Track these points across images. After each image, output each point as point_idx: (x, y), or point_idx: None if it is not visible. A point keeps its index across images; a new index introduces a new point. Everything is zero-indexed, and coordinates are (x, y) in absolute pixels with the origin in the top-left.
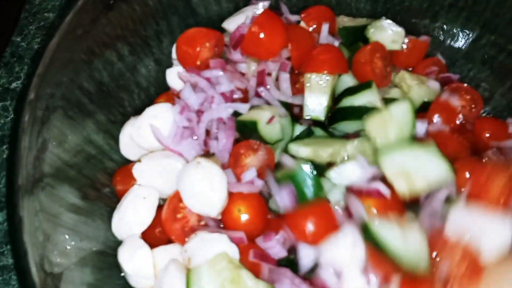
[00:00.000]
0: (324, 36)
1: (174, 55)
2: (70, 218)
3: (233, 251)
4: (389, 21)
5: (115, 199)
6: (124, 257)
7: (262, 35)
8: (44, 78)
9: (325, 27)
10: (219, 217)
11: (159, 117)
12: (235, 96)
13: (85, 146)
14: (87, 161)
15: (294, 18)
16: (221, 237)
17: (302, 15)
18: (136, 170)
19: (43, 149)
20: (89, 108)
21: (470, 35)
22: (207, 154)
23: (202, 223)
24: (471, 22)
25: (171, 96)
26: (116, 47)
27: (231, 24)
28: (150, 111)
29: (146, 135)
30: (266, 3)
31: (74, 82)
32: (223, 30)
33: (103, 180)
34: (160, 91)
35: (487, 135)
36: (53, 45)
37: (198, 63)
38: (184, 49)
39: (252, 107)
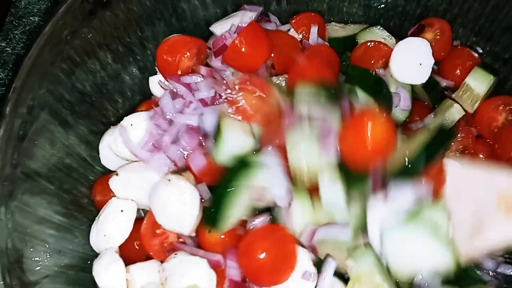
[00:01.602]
0: (314, 38)
1: None
2: (49, 235)
3: (211, 277)
4: (380, 30)
5: (96, 211)
6: (98, 270)
7: (244, 50)
8: (22, 91)
9: (314, 30)
10: (193, 234)
11: (135, 127)
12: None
13: (66, 160)
14: (67, 175)
15: (284, 27)
16: (200, 262)
17: (292, 21)
18: (113, 183)
19: (19, 164)
20: (70, 119)
21: (465, 42)
22: (179, 169)
23: (182, 239)
24: (466, 28)
25: (152, 104)
26: (99, 55)
27: (219, 28)
28: (126, 120)
29: (123, 145)
30: (254, 15)
31: (53, 94)
32: (210, 33)
33: (85, 192)
34: (145, 100)
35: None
36: (32, 57)
37: (179, 72)
38: (165, 58)
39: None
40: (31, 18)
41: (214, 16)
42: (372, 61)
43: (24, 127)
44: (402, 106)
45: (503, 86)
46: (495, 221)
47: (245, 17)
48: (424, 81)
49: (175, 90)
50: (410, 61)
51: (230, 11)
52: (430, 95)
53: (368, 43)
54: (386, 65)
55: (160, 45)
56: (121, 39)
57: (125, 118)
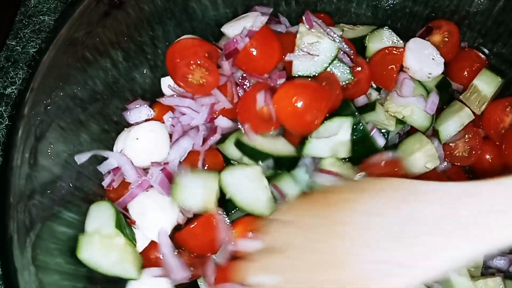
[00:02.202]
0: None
1: None
2: (60, 233)
3: None
4: (389, 32)
5: None
6: None
7: (256, 54)
8: (39, 92)
9: (309, 14)
10: None
11: (141, 139)
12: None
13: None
14: (79, 173)
15: (294, 29)
16: None
17: (302, 22)
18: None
19: (36, 164)
20: (83, 118)
21: (472, 44)
22: None
23: None
24: (473, 30)
25: (165, 107)
26: (111, 54)
27: (231, 29)
28: (133, 133)
29: (134, 156)
30: (264, 19)
31: (68, 93)
32: (221, 33)
33: (97, 191)
34: (155, 97)
35: None
36: (49, 58)
37: (190, 78)
38: (174, 61)
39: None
40: (41, 17)
41: (224, 16)
42: (391, 66)
43: (41, 127)
44: (429, 109)
45: (510, 88)
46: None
47: (256, 21)
48: (441, 70)
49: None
50: (422, 58)
51: (241, 12)
52: (441, 95)
53: (386, 50)
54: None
55: (169, 47)
56: (133, 39)
57: (132, 129)
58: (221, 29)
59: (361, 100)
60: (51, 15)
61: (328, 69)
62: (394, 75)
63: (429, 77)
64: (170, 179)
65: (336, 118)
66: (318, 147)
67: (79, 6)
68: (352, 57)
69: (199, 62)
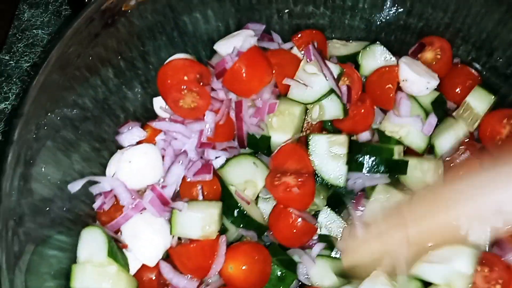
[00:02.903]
0: (310, 55)
1: None
2: (51, 256)
3: None
4: (381, 48)
5: None
6: None
7: (243, 75)
8: (29, 116)
9: (311, 47)
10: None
11: (133, 162)
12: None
13: (68, 178)
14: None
15: (287, 46)
16: None
17: (294, 39)
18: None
19: (26, 189)
20: (74, 138)
21: (466, 57)
22: None
23: None
24: (468, 43)
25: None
26: (102, 73)
27: (223, 47)
28: (126, 156)
29: (127, 178)
30: (253, 40)
31: (59, 115)
32: (214, 51)
33: (89, 212)
34: (147, 116)
35: None
36: (39, 83)
37: (181, 103)
38: (166, 82)
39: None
40: (34, 31)
41: (216, 30)
42: (388, 86)
43: (31, 151)
44: (425, 130)
45: (504, 102)
46: None
47: (246, 41)
48: (437, 81)
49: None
50: (417, 69)
51: (233, 26)
52: (436, 112)
53: (382, 69)
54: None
55: (161, 69)
56: (124, 56)
57: (124, 152)
58: (214, 47)
59: (364, 136)
60: (45, 29)
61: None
62: (391, 94)
63: (427, 88)
64: (163, 200)
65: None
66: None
67: (71, 27)
68: (347, 96)
69: (189, 87)
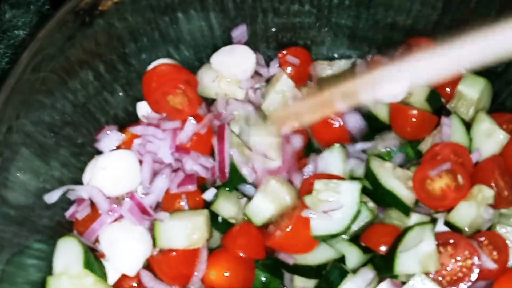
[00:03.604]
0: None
1: None
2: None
3: None
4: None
5: None
6: None
7: None
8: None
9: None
10: None
11: (107, 169)
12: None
13: (46, 185)
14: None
15: (272, 70)
16: None
17: (279, 55)
18: None
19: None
20: (51, 144)
21: None
22: None
23: None
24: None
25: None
26: (80, 75)
27: (220, 63)
28: (100, 162)
29: (102, 186)
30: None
31: (34, 119)
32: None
33: (69, 221)
34: (128, 119)
35: None
36: (10, 85)
37: (169, 99)
38: (151, 87)
39: None
40: (16, 31)
41: (199, 31)
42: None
43: (4, 157)
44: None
45: (497, 100)
46: None
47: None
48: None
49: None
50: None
51: (216, 26)
52: (433, 107)
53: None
54: None
55: (146, 73)
56: (104, 58)
57: (99, 159)
58: (210, 61)
59: None
60: (26, 29)
61: None
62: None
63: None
64: (142, 209)
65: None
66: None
67: (44, 27)
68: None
69: (182, 87)
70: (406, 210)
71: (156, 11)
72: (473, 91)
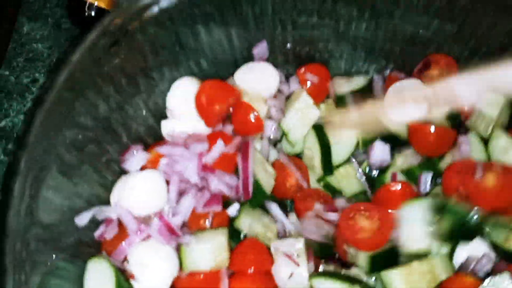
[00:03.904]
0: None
1: (169, 104)
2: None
3: None
4: None
5: None
6: None
7: None
8: (35, 146)
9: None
10: None
11: (135, 189)
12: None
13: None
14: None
15: (292, 87)
16: None
17: (299, 72)
18: None
19: (31, 223)
20: (77, 162)
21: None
22: None
23: None
24: (476, 56)
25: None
26: (107, 92)
27: (243, 81)
28: (129, 182)
29: (130, 205)
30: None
31: (65, 141)
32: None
33: (95, 240)
34: (152, 137)
35: None
36: (44, 110)
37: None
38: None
39: None
40: (34, 44)
41: (220, 47)
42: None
43: (37, 183)
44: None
45: None
46: None
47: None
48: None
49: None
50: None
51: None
52: (452, 125)
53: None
54: None
55: (199, 91)
56: (127, 74)
57: (127, 179)
58: (234, 78)
59: None
60: (45, 42)
61: None
62: None
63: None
64: (170, 230)
65: None
66: None
67: (76, 51)
68: None
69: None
70: None
71: (179, 25)
72: (492, 109)
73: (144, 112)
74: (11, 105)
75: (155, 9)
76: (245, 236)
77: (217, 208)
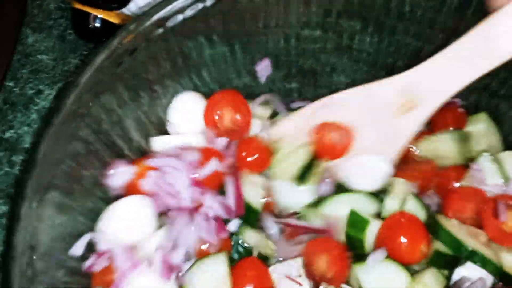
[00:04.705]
0: None
1: (170, 117)
2: None
3: None
4: None
5: None
6: None
7: None
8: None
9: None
10: None
11: (123, 218)
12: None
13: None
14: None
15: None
16: None
17: None
18: None
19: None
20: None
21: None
22: None
23: None
24: None
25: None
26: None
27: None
28: (114, 211)
29: (117, 236)
30: None
31: (66, 162)
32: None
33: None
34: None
35: None
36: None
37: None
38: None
39: None
40: (38, 56)
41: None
42: None
43: (41, 205)
44: None
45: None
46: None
47: None
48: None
49: None
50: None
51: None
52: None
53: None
54: None
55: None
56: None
57: (112, 208)
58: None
59: None
60: (49, 54)
61: None
62: None
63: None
64: (170, 266)
65: None
66: None
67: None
68: None
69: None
70: None
71: (182, 40)
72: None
73: (147, 125)
74: (15, 117)
75: (161, 30)
76: (245, 252)
77: (224, 235)
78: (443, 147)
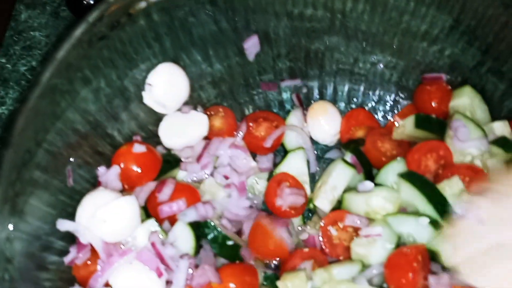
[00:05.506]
0: None
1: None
2: None
3: None
4: None
5: None
6: None
7: None
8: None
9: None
10: None
11: (108, 221)
12: None
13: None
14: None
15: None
16: None
17: None
18: None
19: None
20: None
21: (471, 60)
22: None
23: None
24: (473, 47)
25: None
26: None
27: None
28: (101, 213)
29: (102, 235)
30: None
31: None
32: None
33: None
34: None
35: None
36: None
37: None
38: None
39: None
40: (32, 32)
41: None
42: None
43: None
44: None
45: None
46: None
47: None
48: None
49: None
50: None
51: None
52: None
53: None
54: None
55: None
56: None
57: (98, 210)
58: None
59: None
60: (42, 31)
61: None
62: None
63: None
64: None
65: None
66: None
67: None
68: None
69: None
70: None
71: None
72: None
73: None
74: (7, 93)
75: (143, 3)
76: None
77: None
78: None
